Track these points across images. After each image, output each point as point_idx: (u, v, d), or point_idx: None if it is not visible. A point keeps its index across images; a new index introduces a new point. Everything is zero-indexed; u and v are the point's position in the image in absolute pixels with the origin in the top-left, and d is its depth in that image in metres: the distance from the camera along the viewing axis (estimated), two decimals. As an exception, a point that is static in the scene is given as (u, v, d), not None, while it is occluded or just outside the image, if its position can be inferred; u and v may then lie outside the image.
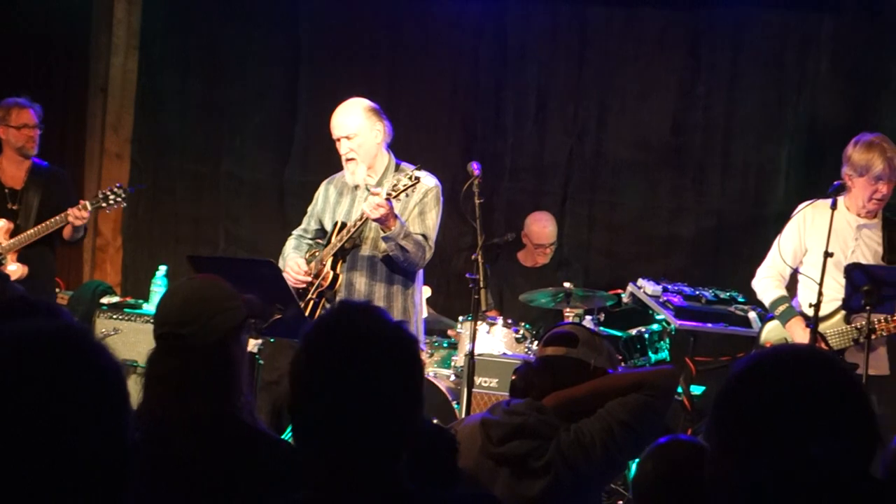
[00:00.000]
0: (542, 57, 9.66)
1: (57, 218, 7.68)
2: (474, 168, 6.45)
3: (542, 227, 9.13)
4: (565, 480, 3.95)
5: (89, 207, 7.74)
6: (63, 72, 10.11)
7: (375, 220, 6.37)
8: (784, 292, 6.65)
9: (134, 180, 9.85)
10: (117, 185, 7.99)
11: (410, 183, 6.32)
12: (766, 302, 6.72)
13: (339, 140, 6.71)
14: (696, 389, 8.13)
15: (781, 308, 6.59)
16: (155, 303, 8.68)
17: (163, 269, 8.87)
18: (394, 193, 6.32)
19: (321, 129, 9.56)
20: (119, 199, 7.87)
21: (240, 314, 3.56)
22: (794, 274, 6.65)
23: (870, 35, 9.07)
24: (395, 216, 6.38)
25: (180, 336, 3.44)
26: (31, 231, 7.72)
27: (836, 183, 6.36)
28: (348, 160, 6.71)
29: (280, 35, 10.02)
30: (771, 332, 6.72)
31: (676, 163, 9.45)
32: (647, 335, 8.17)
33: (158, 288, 8.75)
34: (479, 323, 7.39)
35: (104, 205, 7.86)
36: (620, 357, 8.03)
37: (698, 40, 9.40)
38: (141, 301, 8.80)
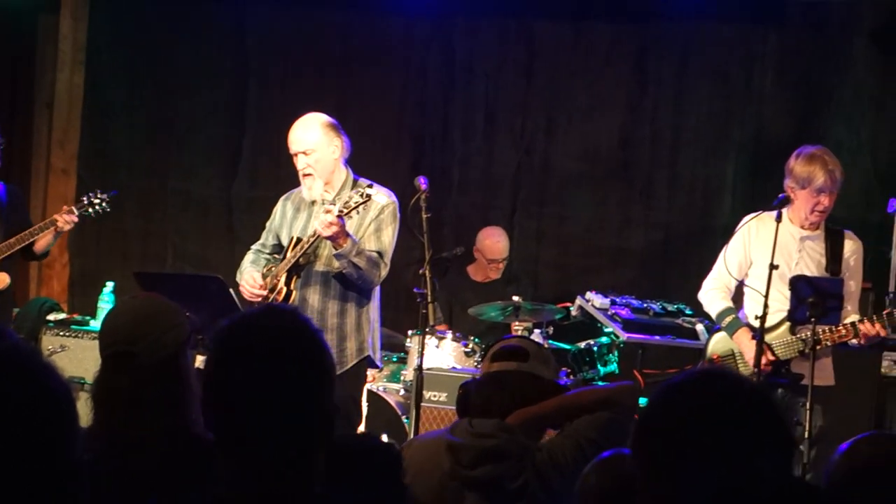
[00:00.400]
0: (490, 71, 9.69)
1: (30, 231, 7.67)
2: (421, 183, 6.46)
3: (494, 242, 9.14)
4: (540, 501, 3.94)
5: (76, 212, 7.74)
6: (8, 87, 10.04)
7: (327, 237, 6.36)
8: (730, 304, 6.69)
9: (80, 196, 9.79)
10: (98, 190, 7.97)
11: (362, 200, 6.30)
12: (713, 314, 6.76)
13: (296, 155, 6.67)
14: (645, 402, 8.14)
15: (728, 320, 6.63)
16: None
17: (110, 285, 8.81)
18: (345, 210, 6.31)
19: (269, 144, 9.63)
20: (104, 206, 7.88)
21: (186, 330, 3.56)
22: (740, 286, 6.69)
23: (813, 49, 9.17)
24: (347, 234, 6.37)
25: (130, 354, 3.44)
26: (3, 245, 7.69)
27: (780, 196, 6.41)
28: (305, 175, 6.67)
29: (228, 50, 10.00)
30: (717, 344, 6.75)
31: (624, 176, 9.50)
32: (595, 348, 8.20)
33: (106, 304, 8.68)
34: (427, 337, 7.40)
35: (90, 210, 7.86)
36: (570, 370, 8.07)
37: (645, 54, 9.46)
38: (88, 318, 8.73)
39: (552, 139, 9.62)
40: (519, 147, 9.67)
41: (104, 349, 3.51)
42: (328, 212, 6.30)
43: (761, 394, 2.49)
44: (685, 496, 2.34)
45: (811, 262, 6.53)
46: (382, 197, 6.61)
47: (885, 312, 6.39)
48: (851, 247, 6.65)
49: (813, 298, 6.16)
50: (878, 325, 6.29)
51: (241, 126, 9.98)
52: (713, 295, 6.74)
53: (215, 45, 10.01)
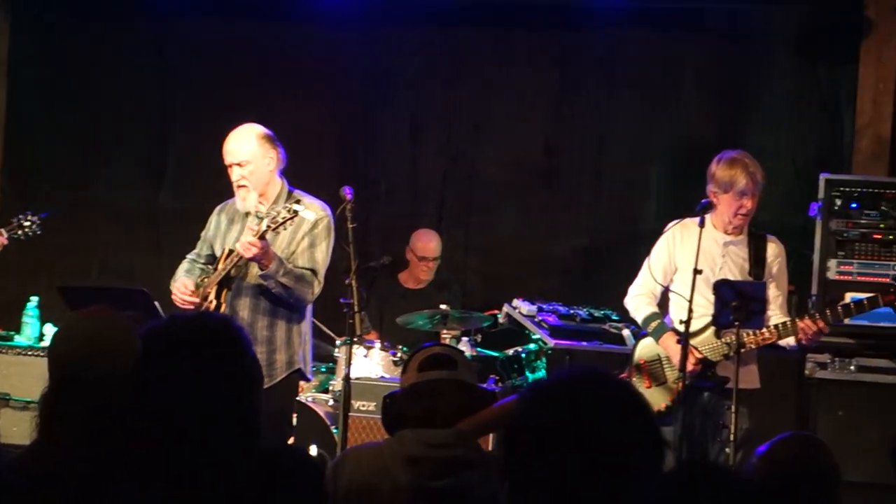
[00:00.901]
0: (415, 80, 9.71)
1: None
2: (346, 193, 6.45)
3: (427, 242, 9.16)
4: None
5: (5, 234, 7.66)
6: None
7: (249, 259, 6.34)
8: (656, 309, 6.75)
9: (3, 209, 9.68)
10: (29, 212, 7.90)
11: (289, 216, 6.26)
12: (639, 319, 6.81)
13: (230, 166, 6.63)
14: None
15: (654, 324, 6.68)
16: (28, 334, 8.55)
17: (34, 299, 8.73)
18: (273, 226, 6.27)
19: (195, 156, 9.59)
20: (35, 228, 7.81)
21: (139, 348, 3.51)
22: (666, 292, 6.75)
23: (734, 56, 9.27)
24: (271, 254, 6.34)
25: (82, 378, 3.36)
26: None
27: (703, 201, 6.48)
28: (239, 187, 6.62)
29: (151, 62, 9.94)
30: (644, 349, 6.81)
31: (549, 184, 9.55)
32: (524, 355, 8.24)
33: (30, 319, 8.61)
34: (355, 347, 7.39)
35: (19, 232, 7.78)
36: (498, 377, 8.10)
37: (569, 62, 9.52)
38: (12, 332, 8.65)
39: (478, 147, 9.65)
40: (445, 156, 9.69)
41: (58, 371, 3.42)
42: (252, 230, 6.29)
43: (632, 393, 2.54)
44: (556, 498, 2.37)
45: (735, 267, 6.60)
46: (315, 211, 6.57)
47: (827, 310, 6.49)
48: (774, 250, 6.73)
49: (736, 302, 6.23)
50: (820, 322, 6.37)
51: (166, 138, 9.93)
52: (639, 301, 6.79)
53: (138, 57, 9.95)
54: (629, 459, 2.40)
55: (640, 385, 6.73)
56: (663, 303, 6.80)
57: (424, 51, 9.71)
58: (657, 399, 6.65)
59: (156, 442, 2.51)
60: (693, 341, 6.47)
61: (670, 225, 6.76)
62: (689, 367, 6.38)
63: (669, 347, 6.56)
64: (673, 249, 6.67)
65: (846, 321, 6.76)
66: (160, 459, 2.51)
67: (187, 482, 2.46)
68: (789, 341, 6.51)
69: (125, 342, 3.44)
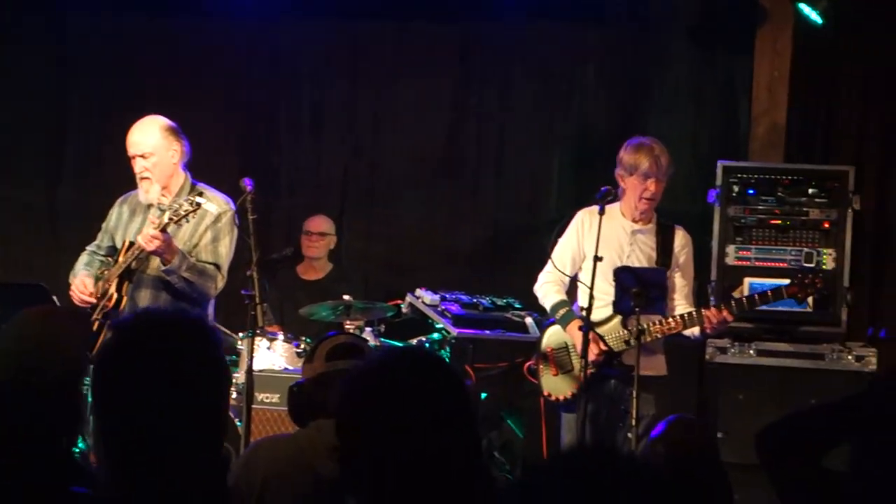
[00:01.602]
0: (316, 72, 9.67)
1: None
2: (247, 184, 6.43)
3: (313, 220, 9.22)
4: None
5: None
6: None
7: (151, 252, 6.29)
8: (564, 297, 6.77)
9: None
10: None
11: (191, 209, 6.23)
12: (547, 307, 6.83)
13: (134, 158, 6.59)
14: (484, 396, 8.25)
15: (561, 312, 6.71)
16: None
17: (-70, 296, 8.58)
18: (175, 218, 6.23)
19: (93, 149, 9.48)
20: None
21: (82, 352, 3.44)
22: (575, 279, 6.78)
23: (635, 45, 9.35)
24: (174, 248, 6.29)
25: (25, 382, 3.26)
26: None
27: (603, 188, 6.52)
28: (142, 179, 6.58)
29: (49, 54, 9.79)
30: (552, 337, 6.83)
31: (451, 174, 9.57)
32: (427, 344, 8.25)
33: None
34: (258, 339, 7.36)
35: None
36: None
37: (469, 53, 9.54)
38: None
39: (379, 139, 9.65)
40: (347, 147, 9.67)
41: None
42: (154, 223, 6.24)
43: (452, 375, 2.62)
44: (377, 467, 2.48)
45: (642, 256, 6.66)
46: (218, 205, 6.54)
47: (732, 301, 6.56)
48: (682, 241, 6.80)
49: (636, 289, 6.28)
50: (724, 312, 6.44)
51: (65, 130, 9.80)
52: (547, 288, 6.81)
53: (35, 49, 9.80)
54: (445, 438, 2.47)
55: (548, 372, 6.76)
56: (572, 290, 6.84)
57: (325, 42, 9.67)
58: (564, 386, 6.69)
59: (115, 438, 2.48)
60: (601, 330, 6.53)
61: (580, 213, 6.79)
62: (593, 355, 6.42)
63: (576, 336, 6.58)
64: (581, 237, 6.70)
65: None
66: (118, 454, 2.49)
67: (146, 478, 2.45)
68: (694, 331, 6.57)
69: (69, 350, 3.37)
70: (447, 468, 2.46)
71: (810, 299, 7.12)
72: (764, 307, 6.75)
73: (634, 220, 6.68)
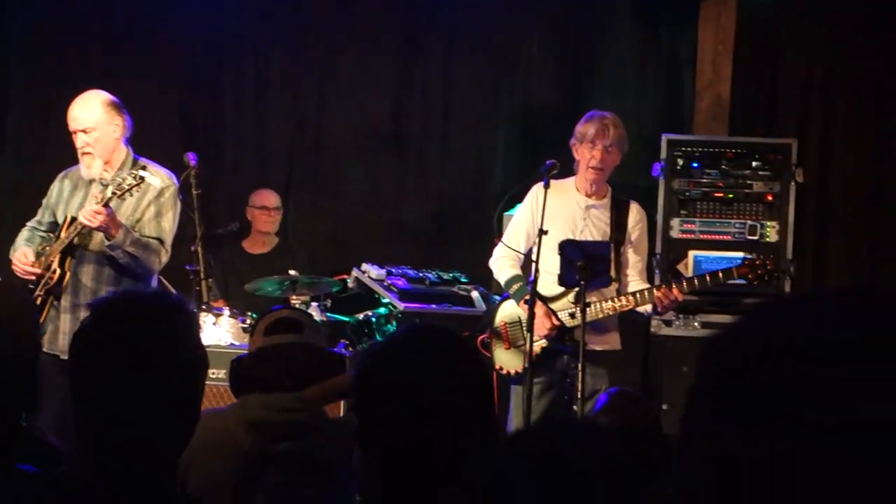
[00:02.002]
0: (259, 45, 9.62)
1: None
2: (190, 159, 6.43)
3: (264, 193, 9.16)
4: (346, 476, 3.90)
5: None
6: None
7: (94, 228, 6.25)
8: (518, 272, 6.77)
9: None
10: None
11: (135, 183, 6.21)
12: (502, 281, 6.83)
13: (75, 133, 6.56)
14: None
15: (515, 287, 6.71)
16: None
17: None
18: (118, 192, 6.21)
19: (34, 124, 9.38)
20: None
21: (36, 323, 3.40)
22: (529, 254, 6.79)
23: (579, 21, 9.35)
24: (118, 223, 6.26)
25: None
26: None
27: (548, 162, 6.52)
28: (84, 154, 6.55)
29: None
30: (505, 311, 6.84)
31: (397, 149, 9.56)
32: (374, 319, 8.26)
33: None
34: (204, 314, 7.34)
35: None
36: (349, 342, 8.10)
37: (413, 27, 9.52)
38: None
39: (324, 113, 9.61)
40: (291, 122, 9.63)
41: None
42: (96, 198, 6.20)
43: (463, 346, 2.63)
44: (395, 446, 2.48)
45: (596, 231, 6.66)
46: (160, 179, 6.51)
47: (683, 280, 6.60)
48: (636, 217, 6.82)
49: (581, 262, 6.29)
50: (675, 291, 6.46)
51: (5, 106, 9.70)
52: (502, 263, 6.82)
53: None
54: (461, 411, 2.46)
55: (500, 346, 6.77)
56: (527, 265, 6.84)
57: (268, 16, 9.61)
58: (516, 361, 6.71)
59: (87, 420, 2.47)
60: (552, 305, 6.55)
61: (534, 187, 6.79)
62: (546, 330, 6.44)
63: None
64: (535, 211, 6.68)
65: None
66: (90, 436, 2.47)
67: (115, 462, 2.43)
68: (647, 308, 6.60)
69: (26, 315, 3.34)
70: (462, 448, 2.46)
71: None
72: (709, 279, 6.77)
73: (588, 195, 6.68)
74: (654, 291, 6.47)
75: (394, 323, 8.27)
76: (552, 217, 6.44)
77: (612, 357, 6.67)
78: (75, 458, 2.53)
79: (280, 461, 3.83)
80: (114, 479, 2.43)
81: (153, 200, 6.49)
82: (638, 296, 6.51)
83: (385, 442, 2.49)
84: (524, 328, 6.68)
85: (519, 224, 6.78)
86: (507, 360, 6.77)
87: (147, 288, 6.53)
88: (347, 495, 3.92)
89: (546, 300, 6.52)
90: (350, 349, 8.02)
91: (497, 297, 7.17)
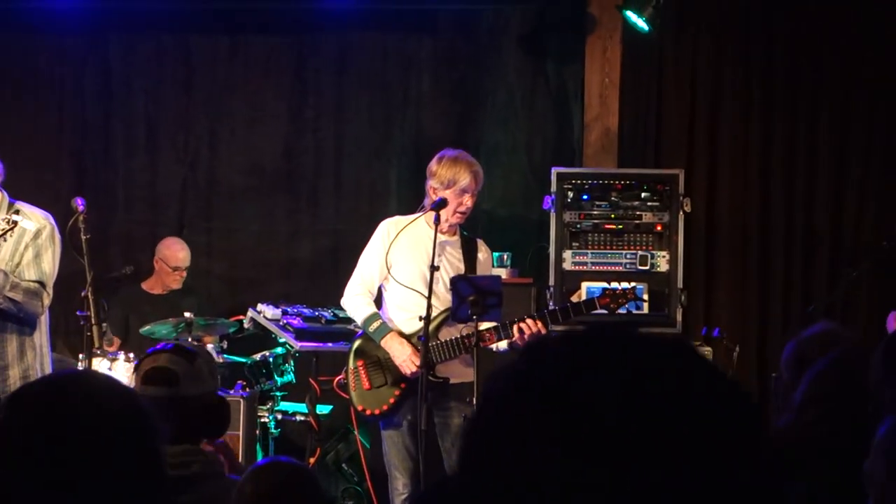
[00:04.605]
0: (149, 87, 9.58)
1: None
2: (78, 204, 6.38)
3: (177, 251, 9.05)
4: None
5: None
6: None
7: None
8: (375, 309, 6.67)
9: None
10: None
11: (8, 227, 6.13)
12: (359, 319, 6.71)
13: None
14: (323, 409, 8.25)
15: (376, 325, 6.61)
16: None
17: None
18: (-8, 239, 6.14)
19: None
20: None
21: None
22: (380, 290, 6.76)
23: (467, 54, 9.44)
24: None
25: None
26: None
27: (438, 198, 6.55)
28: None
29: None
30: (365, 346, 6.74)
31: (290, 187, 9.56)
32: (271, 359, 8.26)
33: None
34: (98, 360, 7.27)
35: None
36: (246, 383, 8.07)
37: (303, 65, 9.54)
38: None
39: (216, 153, 9.59)
40: (183, 162, 9.59)
41: None
42: None
43: (117, 388, 2.50)
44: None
45: (451, 267, 6.64)
46: (35, 220, 6.43)
47: (546, 312, 6.62)
48: (484, 254, 6.84)
49: (473, 296, 6.31)
50: (539, 324, 6.47)
51: None
52: (358, 301, 6.70)
53: None
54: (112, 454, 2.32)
55: (360, 386, 6.71)
56: (378, 300, 6.80)
57: (157, 57, 9.59)
58: (377, 400, 6.66)
59: None
60: (415, 341, 6.51)
61: (384, 222, 6.78)
62: (415, 368, 6.41)
63: (393, 348, 6.56)
64: (386, 247, 6.68)
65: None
66: None
67: None
68: (501, 345, 6.55)
69: None
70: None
71: (646, 305, 7.36)
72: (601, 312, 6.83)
73: (441, 231, 6.64)
74: (518, 324, 6.40)
75: (291, 363, 8.27)
76: (406, 252, 6.50)
77: (470, 389, 6.56)
78: None
79: None
80: None
81: (30, 242, 6.41)
82: (501, 330, 6.48)
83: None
84: (384, 366, 6.64)
85: (370, 260, 6.75)
86: (368, 400, 6.71)
87: (31, 332, 6.46)
88: None
89: (407, 337, 6.54)
90: (247, 390, 7.99)
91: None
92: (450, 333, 6.52)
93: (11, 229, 6.14)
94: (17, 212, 6.28)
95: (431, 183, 6.62)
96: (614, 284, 7.11)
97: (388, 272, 6.64)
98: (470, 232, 6.93)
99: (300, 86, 9.56)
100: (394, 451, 6.63)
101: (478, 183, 6.60)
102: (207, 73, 9.57)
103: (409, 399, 6.49)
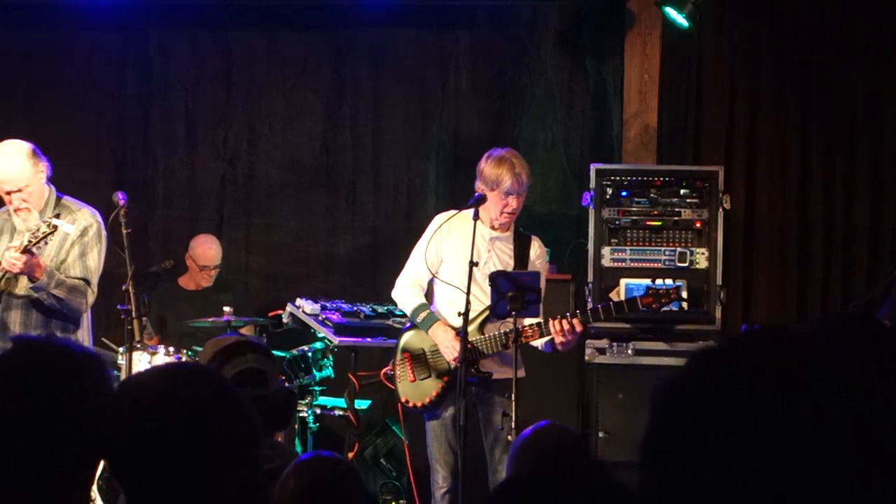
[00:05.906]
0: (188, 83, 9.62)
1: None
2: (119, 198, 6.42)
3: (206, 249, 9.10)
4: None
5: None
6: None
7: (18, 273, 6.25)
8: (424, 300, 6.79)
9: None
10: None
11: (49, 231, 6.19)
12: (408, 310, 6.83)
13: (8, 193, 6.51)
14: (362, 404, 8.26)
15: (423, 315, 6.72)
16: None
17: None
18: (34, 241, 6.18)
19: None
20: None
21: None
22: (431, 283, 6.81)
23: (504, 50, 9.43)
24: (41, 266, 6.25)
25: None
26: None
27: (477, 194, 6.57)
28: (19, 210, 6.52)
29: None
30: (409, 341, 6.84)
31: (328, 183, 9.58)
32: (310, 354, 8.26)
33: None
34: (139, 353, 7.32)
35: None
36: (286, 377, 8.08)
37: (341, 61, 9.55)
38: None
39: (254, 149, 9.63)
40: (222, 158, 9.63)
41: None
42: (13, 247, 6.20)
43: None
44: None
45: (500, 262, 6.68)
46: (83, 218, 6.50)
47: (588, 310, 6.63)
48: (537, 251, 6.85)
49: (512, 292, 6.32)
50: (575, 321, 6.47)
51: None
52: (407, 292, 6.82)
53: None
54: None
55: (405, 379, 6.76)
56: (428, 294, 6.87)
57: (196, 54, 9.62)
58: (420, 393, 6.71)
59: None
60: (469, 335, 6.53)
61: (439, 217, 6.82)
62: (456, 352, 6.43)
63: (438, 336, 6.63)
64: (440, 242, 6.72)
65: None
66: None
67: None
68: (541, 342, 6.58)
69: None
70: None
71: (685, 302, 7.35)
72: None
73: (493, 228, 6.70)
74: (553, 323, 6.43)
75: (330, 357, 8.29)
76: (458, 246, 6.52)
77: (520, 384, 6.57)
78: None
79: None
80: None
81: (77, 240, 6.47)
82: (543, 327, 6.49)
83: None
84: (429, 358, 6.69)
85: (421, 253, 6.79)
86: (412, 392, 6.76)
87: (75, 330, 6.51)
88: None
89: (455, 329, 6.55)
90: (287, 384, 8.01)
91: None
92: (494, 329, 6.53)
93: (52, 233, 6.20)
94: (57, 215, 6.33)
95: (478, 183, 6.64)
96: (658, 282, 7.05)
97: (438, 266, 6.68)
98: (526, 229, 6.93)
99: (338, 82, 9.58)
100: (436, 444, 6.67)
101: (521, 184, 6.57)
102: (245, 70, 9.61)
103: (453, 392, 6.51)
